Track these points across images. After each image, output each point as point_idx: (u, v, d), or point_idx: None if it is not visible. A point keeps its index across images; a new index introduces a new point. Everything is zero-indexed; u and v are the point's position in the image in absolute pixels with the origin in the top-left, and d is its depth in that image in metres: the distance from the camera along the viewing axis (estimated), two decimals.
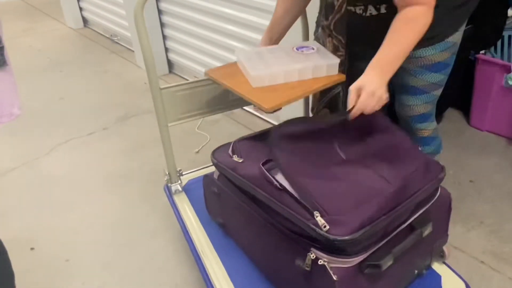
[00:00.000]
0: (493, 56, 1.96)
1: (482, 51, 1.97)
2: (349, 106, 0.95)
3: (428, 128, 1.23)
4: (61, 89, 2.84)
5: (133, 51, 3.35)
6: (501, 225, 1.52)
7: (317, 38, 1.25)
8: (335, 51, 1.13)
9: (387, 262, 0.83)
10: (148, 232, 1.59)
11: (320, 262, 0.79)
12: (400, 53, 0.95)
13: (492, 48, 2.00)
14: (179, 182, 1.43)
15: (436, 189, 0.97)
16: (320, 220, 0.78)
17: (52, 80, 3.02)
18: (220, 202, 1.17)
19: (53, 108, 2.61)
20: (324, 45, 1.18)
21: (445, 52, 1.09)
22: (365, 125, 1.04)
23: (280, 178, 0.91)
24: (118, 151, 2.14)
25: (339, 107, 1.24)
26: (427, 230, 0.92)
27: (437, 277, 1.07)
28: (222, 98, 1.36)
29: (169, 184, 1.43)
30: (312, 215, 0.80)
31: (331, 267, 0.79)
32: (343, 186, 0.88)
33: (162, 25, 2.91)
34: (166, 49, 3.01)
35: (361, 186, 0.87)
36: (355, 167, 0.94)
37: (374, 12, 1.06)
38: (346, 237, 0.76)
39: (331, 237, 0.76)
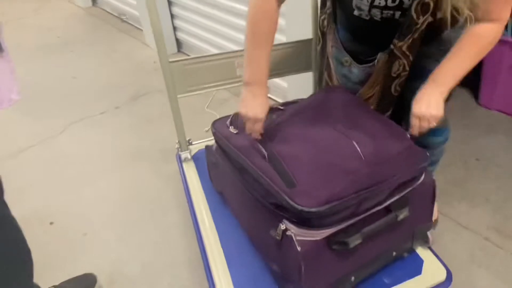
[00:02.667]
0: (503, 35, 1.94)
1: None
2: (412, 131, 1.01)
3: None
4: (72, 68, 2.87)
5: (141, 30, 3.36)
6: (505, 202, 1.55)
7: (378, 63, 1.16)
8: (402, 70, 1.09)
9: (354, 241, 0.85)
10: (161, 208, 1.65)
11: (288, 233, 0.83)
12: (463, 69, 0.95)
13: None
14: (189, 150, 1.53)
15: (419, 176, 0.96)
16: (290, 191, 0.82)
17: (64, 59, 3.05)
18: (217, 171, 1.24)
19: (66, 87, 2.65)
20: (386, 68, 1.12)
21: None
22: (355, 104, 1.07)
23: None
24: (130, 129, 2.18)
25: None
26: (403, 214, 0.91)
27: (419, 261, 1.07)
28: (230, 72, 1.41)
29: (180, 152, 1.52)
30: (289, 185, 0.83)
31: (297, 239, 0.82)
32: (320, 156, 0.90)
33: (170, 3, 2.91)
34: (175, 28, 3.01)
35: (339, 161, 0.89)
36: (339, 138, 0.95)
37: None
38: (312, 209, 0.79)
39: (299, 207, 0.80)
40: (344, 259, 0.90)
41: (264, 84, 1.03)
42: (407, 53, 1.03)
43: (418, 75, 1.11)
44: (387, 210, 0.91)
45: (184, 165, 1.49)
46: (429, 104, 0.97)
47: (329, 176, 0.85)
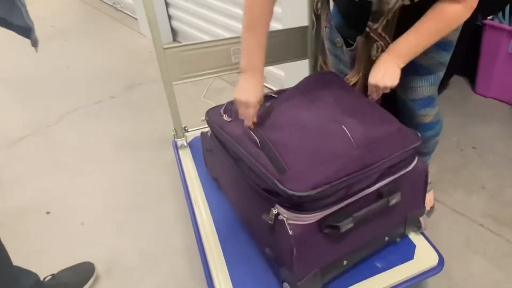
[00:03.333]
0: (501, 22, 1.93)
1: (490, 17, 1.95)
2: (370, 96, 1.07)
3: (430, 113, 1.20)
4: (67, 58, 2.85)
5: (136, 19, 3.32)
6: (501, 190, 1.56)
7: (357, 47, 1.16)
8: (380, 53, 1.08)
9: (346, 225, 0.85)
10: (158, 197, 1.65)
11: (280, 217, 0.84)
12: (422, 44, 0.96)
13: (500, 14, 1.98)
14: (185, 137, 1.52)
15: (410, 159, 0.96)
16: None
17: (58, 49, 3.02)
18: (212, 158, 1.25)
19: (61, 77, 2.63)
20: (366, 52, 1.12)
21: (457, 31, 1.08)
22: (344, 89, 1.08)
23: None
24: (126, 118, 2.17)
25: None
26: (395, 199, 0.91)
27: (412, 246, 1.08)
28: (225, 60, 1.40)
29: (176, 140, 1.52)
30: (280, 172, 0.84)
31: (289, 223, 0.83)
32: (310, 141, 0.91)
33: None
34: (169, 17, 2.98)
35: (328, 145, 0.89)
36: (327, 122, 0.95)
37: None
38: (302, 193, 0.80)
39: (289, 192, 0.80)
40: (336, 243, 0.91)
41: (259, 71, 1.03)
42: (383, 34, 1.03)
43: (408, 71, 1.09)
44: (379, 195, 0.91)
45: (180, 152, 1.49)
46: (384, 74, 1.00)
47: (319, 160, 0.86)
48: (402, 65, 1.00)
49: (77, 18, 3.62)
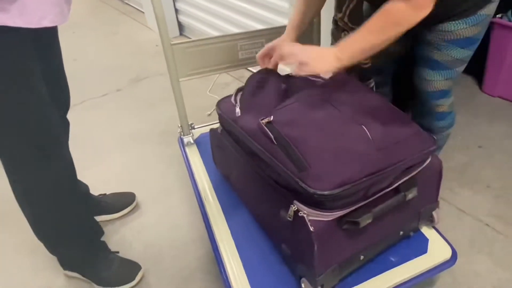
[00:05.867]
0: (510, 20, 1.91)
1: (499, 15, 1.93)
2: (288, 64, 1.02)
3: (445, 104, 1.19)
4: (74, 50, 2.85)
5: (143, 12, 3.32)
6: (507, 189, 1.55)
7: (332, 35, 1.22)
8: (361, 77, 1.10)
9: (365, 220, 0.86)
10: (163, 190, 1.65)
11: (301, 213, 0.84)
12: (365, 42, 0.91)
13: (509, 12, 1.96)
14: (191, 135, 1.52)
15: (426, 159, 0.97)
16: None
17: (65, 41, 2.97)
18: (223, 154, 1.24)
19: (67, 69, 2.61)
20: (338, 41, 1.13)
21: (477, 26, 1.00)
22: (360, 90, 1.06)
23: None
24: (132, 111, 2.18)
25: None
26: (411, 194, 0.93)
27: (425, 240, 1.10)
28: (232, 56, 1.40)
29: (182, 136, 1.51)
30: (300, 169, 0.84)
31: (309, 219, 0.84)
32: (330, 140, 0.90)
33: None
34: (176, 11, 2.98)
35: (350, 144, 0.89)
36: (347, 122, 0.94)
37: None
38: (325, 192, 0.80)
39: (311, 190, 0.81)
40: (354, 238, 0.92)
41: (289, 32, 1.12)
42: (350, 24, 1.03)
43: (423, 63, 1.11)
44: (396, 190, 0.92)
45: (187, 149, 1.49)
46: (317, 56, 0.95)
47: (341, 159, 0.86)
48: (344, 61, 0.93)
49: (85, 11, 3.63)
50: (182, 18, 2.98)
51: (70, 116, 1.30)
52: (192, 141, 1.51)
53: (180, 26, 3.05)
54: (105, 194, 1.55)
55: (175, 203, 1.59)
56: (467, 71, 2.19)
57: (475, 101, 2.08)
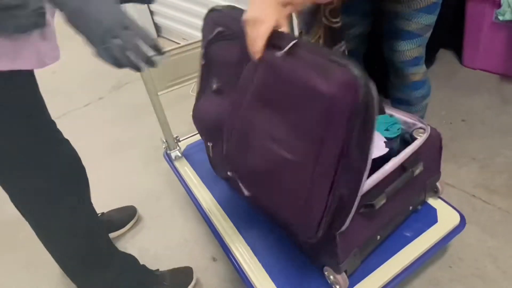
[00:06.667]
0: None
1: None
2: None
3: (419, 71, 1.23)
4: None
5: None
6: (492, 159, 1.57)
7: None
8: (332, 38, 1.04)
9: (380, 201, 0.89)
10: (153, 195, 1.66)
11: None
12: None
13: None
14: (178, 148, 1.47)
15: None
16: None
17: None
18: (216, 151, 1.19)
19: (47, 83, 2.58)
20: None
21: None
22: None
23: None
24: (116, 119, 2.17)
25: None
26: (418, 169, 0.97)
27: (433, 211, 1.14)
28: None
29: (169, 151, 1.46)
30: None
31: None
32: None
33: None
34: (152, 12, 2.95)
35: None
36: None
37: None
38: None
39: None
40: (370, 220, 0.95)
41: None
42: None
43: (394, 36, 1.14)
44: (403, 168, 0.95)
45: (176, 164, 1.44)
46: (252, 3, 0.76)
47: None
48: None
49: (58, 21, 3.59)
50: (158, 19, 2.96)
51: None
52: (180, 155, 1.46)
53: (157, 28, 3.03)
54: (103, 213, 1.51)
55: (167, 206, 1.60)
56: (446, 46, 2.23)
57: (456, 75, 2.10)
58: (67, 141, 1.12)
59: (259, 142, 0.81)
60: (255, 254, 1.09)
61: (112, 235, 1.47)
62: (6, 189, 0.96)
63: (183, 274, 1.28)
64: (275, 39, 0.74)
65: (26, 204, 0.98)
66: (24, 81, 0.87)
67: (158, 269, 1.27)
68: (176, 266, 1.30)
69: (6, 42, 0.74)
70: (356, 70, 0.63)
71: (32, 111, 0.93)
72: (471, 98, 1.91)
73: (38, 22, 0.78)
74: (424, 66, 1.24)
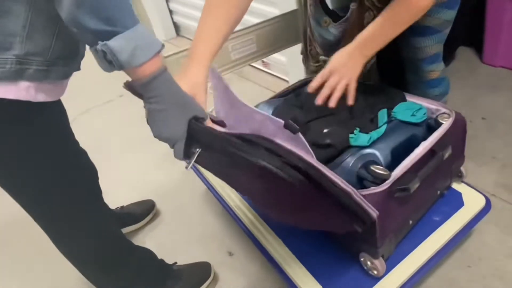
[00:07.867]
0: None
1: None
2: (315, 81, 0.99)
3: (437, 69, 1.22)
4: None
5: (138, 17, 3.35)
6: None
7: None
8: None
9: (414, 185, 0.89)
10: (173, 190, 1.69)
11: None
12: (389, 32, 0.94)
13: None
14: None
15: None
16: None
17: None
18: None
19: (70, 80, 2.67)
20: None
21: None
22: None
23: None
24: (136, 117, 2.19)
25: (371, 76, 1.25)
26: (447, 153, 0.97)
27: (458, 195, 1.17)
28: (225, 59, 1.38)
29: None
30: None
31: (363, 194, 0.84)
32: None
33: None
34: (171, 11, 2.99)
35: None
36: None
37: None
38: None
39: None
40: (403, 204, 0.96)
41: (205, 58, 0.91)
42: (378, 5, 1.02)
43: (412, 32, 1.11)
44: (432, 152, 0.96)
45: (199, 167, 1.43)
46: (348, 61, 0.97)
47: None
48: (369, 55, 0.97)
49: None
50: (177, 18, 3.00)
51: (76, 124, 1.33)
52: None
53: (176, 27, 3.07)
54: (122, 206, 1.56)
55: (185, 202, 1.62)
56: (466, 43, 2.19)
57: (476, 73, 2.06)
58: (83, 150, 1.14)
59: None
60: (286, 245, 1.11)
61: (131, 228, 1.53)
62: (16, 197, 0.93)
63: (201, 269, 1.30)
64: None
65: (38, 207, 0.96)
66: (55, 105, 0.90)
67: (176, 263, 1.30)
68: (192, 261, 1.32)
69: (49, 86, 0.78)
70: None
71: (66, 129, 0.98)
72: (492, 96, 1.88)
73: (79, 67, 0.86)
74: (442, 64, 1.23)
